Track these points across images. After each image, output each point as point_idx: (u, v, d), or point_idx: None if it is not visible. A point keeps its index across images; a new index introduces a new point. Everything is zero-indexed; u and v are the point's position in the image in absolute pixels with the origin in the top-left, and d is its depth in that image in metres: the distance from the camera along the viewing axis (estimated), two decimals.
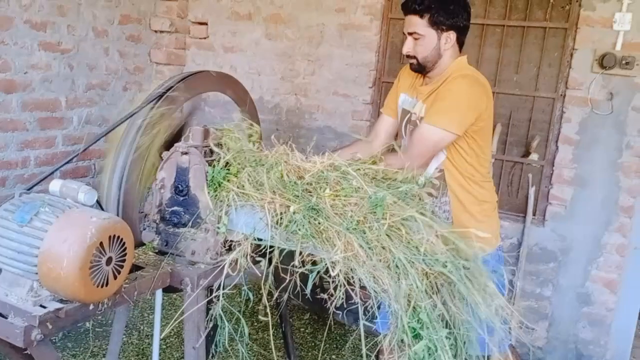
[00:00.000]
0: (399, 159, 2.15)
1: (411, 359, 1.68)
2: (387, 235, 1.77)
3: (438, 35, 2.22)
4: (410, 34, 2.25)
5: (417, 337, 1.68)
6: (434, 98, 2.22)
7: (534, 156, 3.27)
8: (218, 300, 1.84)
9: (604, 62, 2.99)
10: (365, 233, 1.78)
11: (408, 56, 2.30)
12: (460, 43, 2.31)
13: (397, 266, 1.72)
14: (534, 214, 3.26)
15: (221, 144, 2.13)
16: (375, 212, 1.82)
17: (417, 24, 2.22)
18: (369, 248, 1.73)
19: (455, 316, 1.76)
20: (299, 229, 1.81)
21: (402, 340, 1.69)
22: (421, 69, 2.31)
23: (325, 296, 1.78)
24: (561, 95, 3.18)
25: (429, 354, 1.67)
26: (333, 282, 1.75)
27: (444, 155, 2.25)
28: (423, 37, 2.22)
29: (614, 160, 3.05)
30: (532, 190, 3.23)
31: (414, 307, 1.70)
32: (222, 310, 1.81)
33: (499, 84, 3.33)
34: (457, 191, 2.27)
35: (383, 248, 1.75)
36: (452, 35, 2.24)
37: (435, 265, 1.75)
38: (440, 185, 2.26)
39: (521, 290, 3.27)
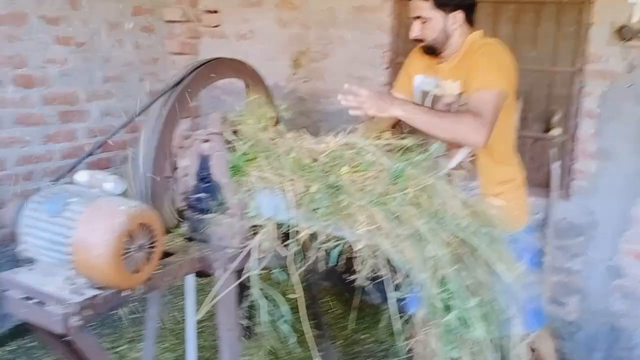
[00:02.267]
0: (472, 119, 2.05)
1: (444, 330, 1.68)
2: (410, 204, 1.77)
3: (444, 16, 2.21)
4: (416, 17, 2.24)
5: (447, 308, 1.69)
6: (464, 70, 2.19)
7: (555, 131, 3.24)
8: (252, 282, 1.85)
9: (622, 34, 2.94)
10: (386, 205, 1.78)
11: (417, 40, 2.29)
12: (470, 21, 2.28)
13: (420, 237, 1.72)
14: (559, 189, 3.23)
15: (237, 131, 2.14)
16: (396, 184, 1.83)
17: (422, 7, 2.21)
18: (394, 218, 1.73)
19: (483, 285, 1.75)
20: (320, 208, 1.81)
21: (433, 313, 1.69)
22: (432, 51, 2.30)
23: (354, 277, 1.78)
24: (580, 69, 3.14)
25: (463, 324, 1.67)
26: (358, 257, 1.76)
27: None
28: (429, 19, 2.21)
29: (637, 131, 3.01)
30: (555, 165, 3.20)
31: (441, 278, 1.69)
32: (257, 291, 1.82)
33: (516, 60, 3.29)
34: (484, 173, 2.25)
35: (405, 220, 1.75)
36: (458, 15, 2.22)
37: (458, 230, 1.75)
38: (472, 169, 2.24)
39: (551, 265, 3.25)
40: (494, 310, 1.75)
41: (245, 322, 2.10)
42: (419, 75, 2.41)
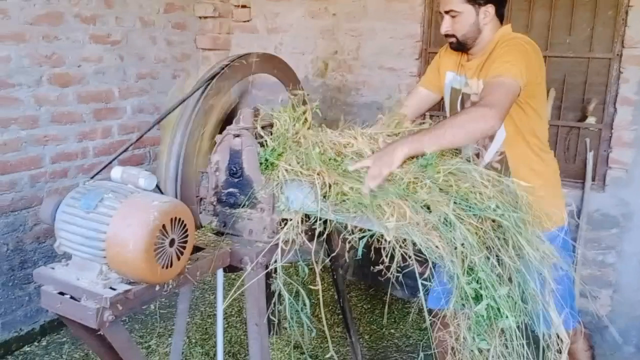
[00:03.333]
0: (473, 109, 1.96)
1: (474, 320, 1.66)
2: (440, 189, 1.76)
3: (476, 10, 2.16)
4: (447, 12, 2.20)
5: (477, 298, 1.67)
6: (489, 66, 2.14)
7: (591, 120, 3.17)
8: (277, 274, 1.87)
9: None
10: (416, 192, 1.76)
11: (447, 35, 2.25)
12: (500, 15, 2.23)
13: (450, 223, 1.70)
14: (593, 180, 3.16)
15: (272, 125, 2.16)
16: (425, 172, 1.82)
17: (453, 1, 2.17)
18: (423, 206, 1.72)
19: (513, 271, 1.72)
20: (348, 199, 1.82)
21: (463, 305, 1.68)
22: (461, 47, 2.25)
23: (380, 267, 1.77)
24: (617, 54, 3.05)
25: (495, 315, 1.65)
26: (385, 250, 1.75)
27: (504, 134, 2.14)
28: (460, 13, 2.17)
29: None
30: (590, 155, 3.13)
31: (470, 267, 1.67)
32: (282, 284, 1.84)
33: (551, 48, 3.23)
34: (518, 170, 2.19)
35: (434, 207, 1.74)
36: (490, 9, 2.17)
37: (486, 211, 1.72)
38: (501, 169, 2.19)
39: (583, 257, 3.18)
40: (525, 297, 1.72)
41: (273, 317, 2.12)
42: (450, 72, 2.37)
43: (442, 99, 2.48)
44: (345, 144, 2.01)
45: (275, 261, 1.89)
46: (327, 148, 2.00)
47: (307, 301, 1.84)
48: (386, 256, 1.72)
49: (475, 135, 1.91)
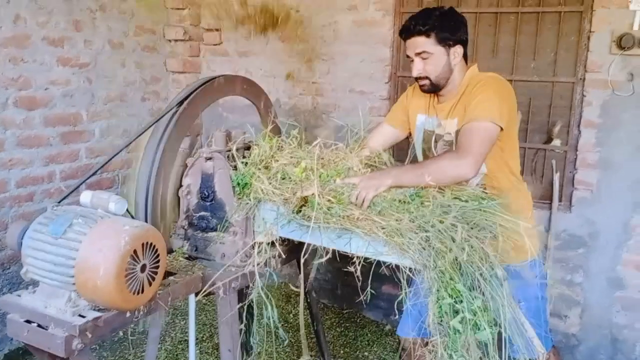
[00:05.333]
0: (449, 155, 2.04)
1: (450, 335, 1.66)
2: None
3: (447, 51, 2.19)
4: (418, 54, 2.20)
5: (453, 314, 1.67)
6: (463, 107, 2.15)
7: (556, 142, 3.24)
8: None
9: (622, 42, 2.94)
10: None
11: (419, 78, 2.25)
12: (465, 56, 2.27)
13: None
14: (559, 200, 3.23)
15: (248, 148, 2.17)
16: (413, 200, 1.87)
17: (424, 43, 2.17)
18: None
19: (485, 284, 1.74)
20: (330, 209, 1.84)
21: (439, 317, 1.68)
22: (434, 88, 2.26)
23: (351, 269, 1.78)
24: (580, 79, 3.14)
25: (473, 327, 1.65)
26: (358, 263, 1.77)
27: (485, 169, 2.17)
28: (432, 55, 2.18)
29: (637, 140, 3.00)
30: (556, 177, 3.20)
31: (448, 278, 1.69)
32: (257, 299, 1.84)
33: (516, 72, 3.30)
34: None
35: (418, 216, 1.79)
36: (459, 49, 2.21)
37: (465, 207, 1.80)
38: None
39: (551, 278, 3.23)
40: (497, 308, 1.73)
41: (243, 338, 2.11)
42: (421, 115, 2.37)
43: (410, 136, 2.48)
44: (335, 160, 2.05)
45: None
46: (310, 165, 2.03)
47: (275, 312, 1.85)
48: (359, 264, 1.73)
49: (449, 181, 2.01)
